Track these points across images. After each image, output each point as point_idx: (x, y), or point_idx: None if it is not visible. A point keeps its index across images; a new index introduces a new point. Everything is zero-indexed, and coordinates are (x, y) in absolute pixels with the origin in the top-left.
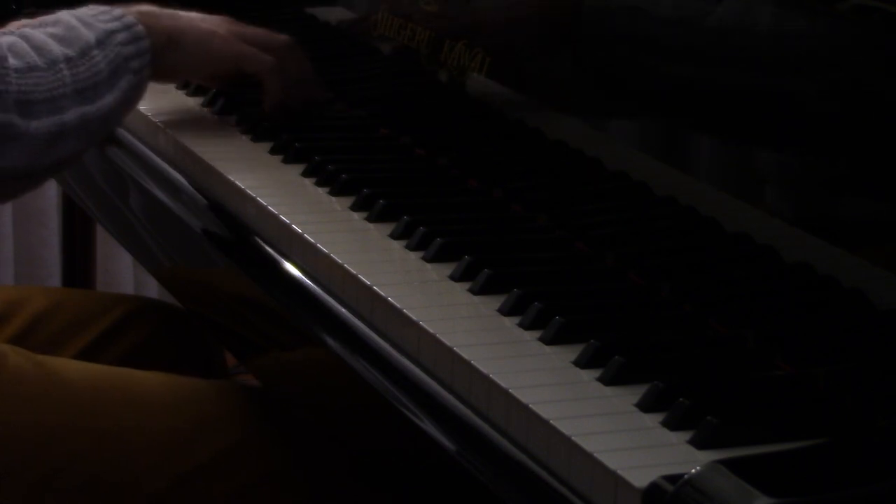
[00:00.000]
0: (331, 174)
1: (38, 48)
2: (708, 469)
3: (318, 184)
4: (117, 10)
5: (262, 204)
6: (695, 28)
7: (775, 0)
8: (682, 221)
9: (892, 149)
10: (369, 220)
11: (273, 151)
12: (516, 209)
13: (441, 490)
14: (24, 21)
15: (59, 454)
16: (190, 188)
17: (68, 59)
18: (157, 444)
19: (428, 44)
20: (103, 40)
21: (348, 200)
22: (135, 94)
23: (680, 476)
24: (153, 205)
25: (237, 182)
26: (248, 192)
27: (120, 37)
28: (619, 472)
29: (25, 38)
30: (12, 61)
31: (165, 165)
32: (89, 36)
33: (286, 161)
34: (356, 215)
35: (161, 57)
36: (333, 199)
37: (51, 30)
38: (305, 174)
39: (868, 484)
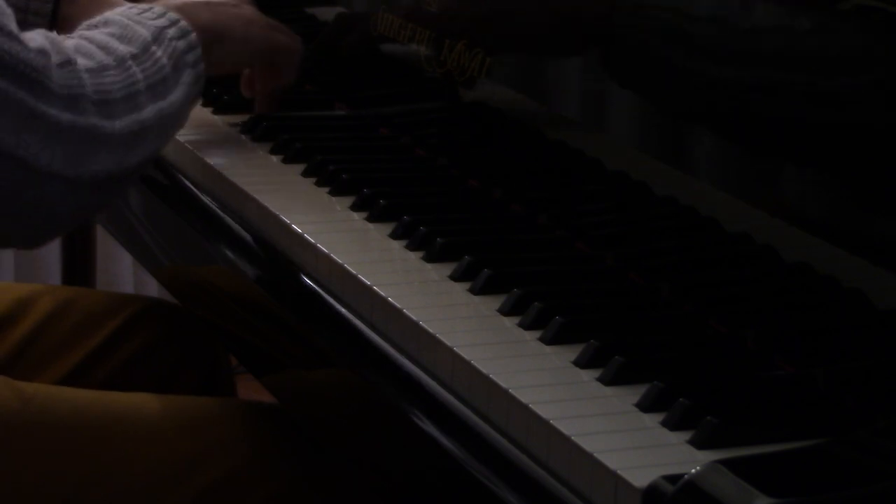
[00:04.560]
0: (331, 174)
1: (103, 47)
2: (708, 469)
3: (319, 184)
4: (158, 8)
5: (261, 204)
6: (694, 27)
7: None
8: (682, 221)
9: (892, 149)
10: (369, 220)
11: (273, 151)
12: (516, 209)
13: (440, 490)
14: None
15: (50, 500)
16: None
17: (134, 57)
18: (155, 477)
19: (428, 44)
20: (157, 36)
21: (348, 200)
22: (196, 87)
23: (680, 476)
24: (153, 205)
25: (237, 182)
26: (248, 191)
27: (170, 32)
28: (619, 472)
29: (87, 38)
30: (82, 62)
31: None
32: (145, 33)
33: (286, 161)
34: (356, 215)
35: (207, 52)
36: (333, 199)
37: (106, 30)
38: (305, 174)
39: (868, 484)
